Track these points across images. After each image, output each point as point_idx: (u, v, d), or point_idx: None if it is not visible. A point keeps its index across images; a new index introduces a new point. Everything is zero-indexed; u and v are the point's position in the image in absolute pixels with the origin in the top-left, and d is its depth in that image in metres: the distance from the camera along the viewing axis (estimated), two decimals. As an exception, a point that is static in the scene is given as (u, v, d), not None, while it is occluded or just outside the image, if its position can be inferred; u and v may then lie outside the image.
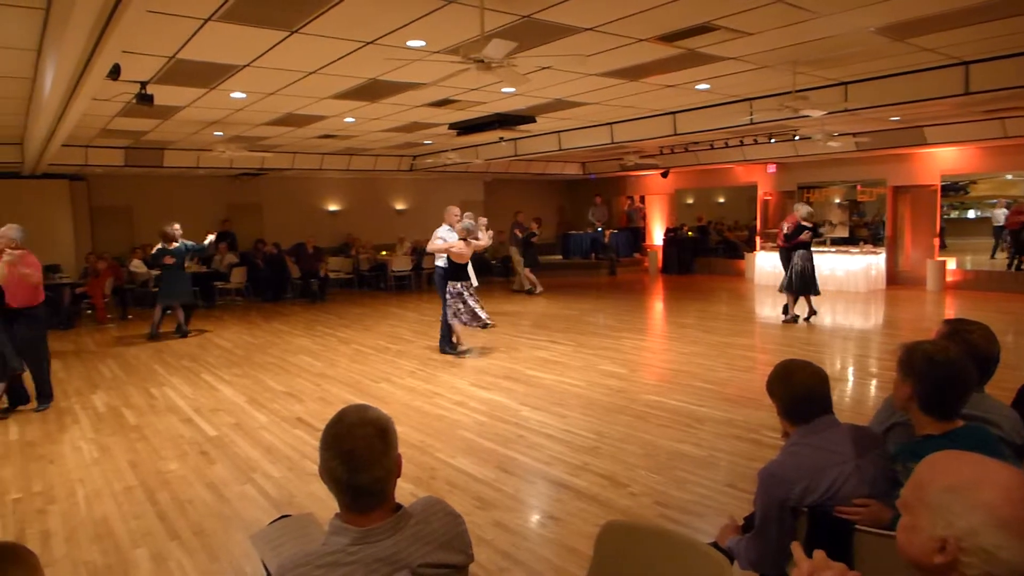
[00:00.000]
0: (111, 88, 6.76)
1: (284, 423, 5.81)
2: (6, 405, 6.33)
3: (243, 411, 6.23)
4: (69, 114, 6.92)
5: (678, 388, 6.51)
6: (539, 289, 14.32)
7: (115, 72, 5.50)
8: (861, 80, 8.09)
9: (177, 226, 10.38)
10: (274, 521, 2.18)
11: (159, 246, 10.28)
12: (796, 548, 1.23)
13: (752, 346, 8.52)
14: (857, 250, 14.14)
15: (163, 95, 7.58)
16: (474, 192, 20.71)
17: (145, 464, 4.93)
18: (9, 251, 6.04)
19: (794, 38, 6.21)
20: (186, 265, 14.42)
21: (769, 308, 11.55)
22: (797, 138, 12.78)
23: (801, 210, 9.98)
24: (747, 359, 7.76)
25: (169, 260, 10.09)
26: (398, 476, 1.57)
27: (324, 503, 4.11)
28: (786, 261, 10.04)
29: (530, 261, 14.60)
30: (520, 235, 14.61)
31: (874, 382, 6.80)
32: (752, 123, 9.63)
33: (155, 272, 11.21)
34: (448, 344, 8.44)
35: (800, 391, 2.18)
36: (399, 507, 1.57)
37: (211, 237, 10.94)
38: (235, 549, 3.61)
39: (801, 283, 9.81)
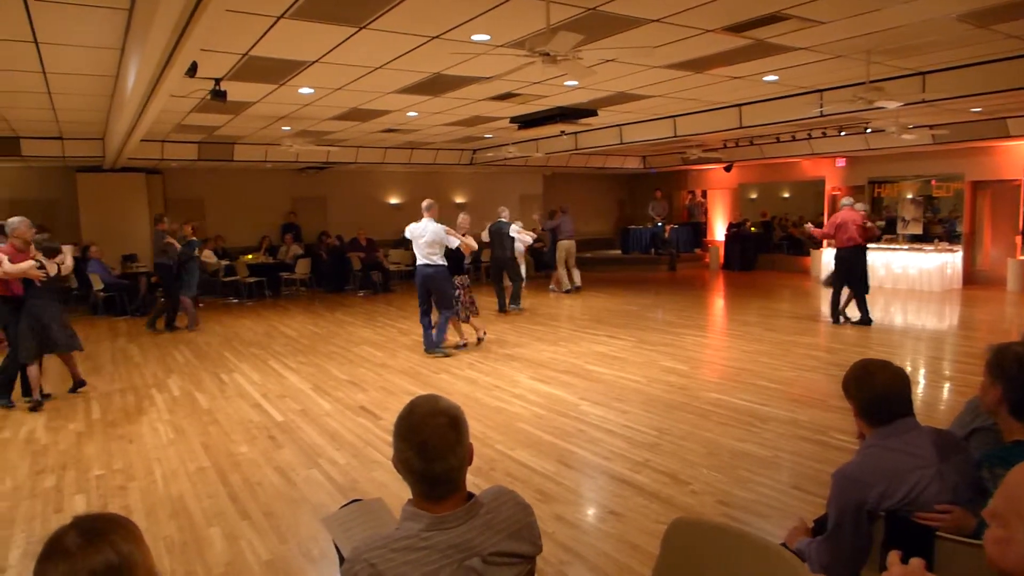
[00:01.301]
0: (188, 85, 7.02)
1: (347, 411, 5.95)
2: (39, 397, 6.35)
3: (308, 398, 6.41)
4: (149, 110, 7.22)
5: (741, 386, 6.38)
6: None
7: (192, 70, 5.71)
8: (940, 70, 7.73)
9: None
10: (345, 505, 2.24)
11: (192, 238, 10.45)
12: (893, 556, 1.20)
13: (817, 345, 8.28)
14: (931, 248, 13.55)
15: (235, 91, 7.82)
16: (533, 186, 20.70)
17: (217, 446, 5.13)
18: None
19: (870, 26, 5.97)
20: (253, 256, 14.99)
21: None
22: (869, 131, 12.32)
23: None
24: (813, 359, 7.54)
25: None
26: (469, 465, 1.59)
27: (387, 489, 4.19)
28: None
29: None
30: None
31: (947, 385, 6.53)
32: (822, 115, 9.33)
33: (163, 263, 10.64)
34: (438, 345, 8.19)
35: (880, 391, 2.11)
36: (471, 495, 1.60)
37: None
38: (303, 531, 3.72)
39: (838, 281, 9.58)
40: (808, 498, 3.94)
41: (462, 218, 8.95)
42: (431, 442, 1.51)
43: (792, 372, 6.91)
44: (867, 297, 9.41)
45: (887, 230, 14.68)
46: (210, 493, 4.26)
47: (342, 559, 2.05)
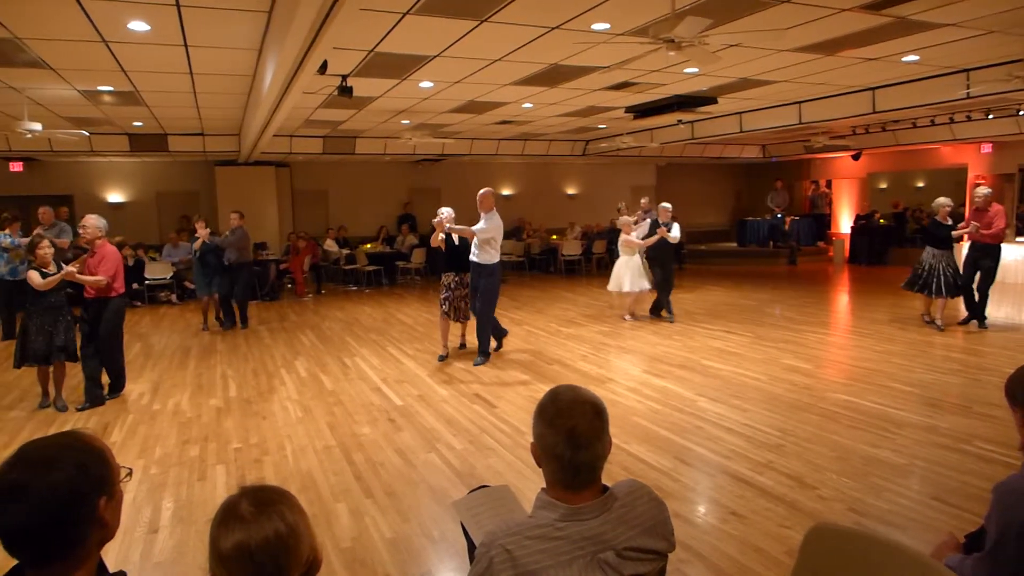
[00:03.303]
0: (318, 82, 7.37)
1: (463, 398, 6.08)
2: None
3: (426, 384, 6.60)
4: (282, 107, 7.65)
5: (872, 388, 6.00)
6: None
7: (323, 67, 5.99)
8: (1115, 43, 6.92)
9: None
10: (474, 490, 2.28)
11: (226, 234, 10.04)
12: None
13: (957, 346, 7.65)
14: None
15: (360, 87, 8.15)
16: (646, 177, 20.34)
17: (341, 427, 5.38)
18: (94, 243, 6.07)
19: (1031, -2, 5.43)
20: (372, 246, 15.55)
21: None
22: (1022, 113, 11.21)
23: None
24: (952, 360, 6.98)
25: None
26: (607, 456, 1.58)
27: (503, 476, 4.26)
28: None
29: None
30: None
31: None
32: (968, 97, 8.58)
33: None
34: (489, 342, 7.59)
35: (1053, 400, 1.92)
36: (605, 488, 1.58)
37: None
38: (423, 512, 3.84)
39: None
40: (950, 511, 3.66)
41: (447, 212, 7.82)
42: (579, 429, 1.51)
43: (929, 375, 6.43)
44: (991, 295, 8.69)
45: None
46: (336, 470, 4.48)
47: (470, 542, 2.10)
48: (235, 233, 9.93)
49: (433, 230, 7.54)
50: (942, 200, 8.51)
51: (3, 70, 7.04)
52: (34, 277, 5.75)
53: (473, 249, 7.45)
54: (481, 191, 7.52)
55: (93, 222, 6.07)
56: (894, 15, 5.85)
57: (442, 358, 7.56)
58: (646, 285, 9.43)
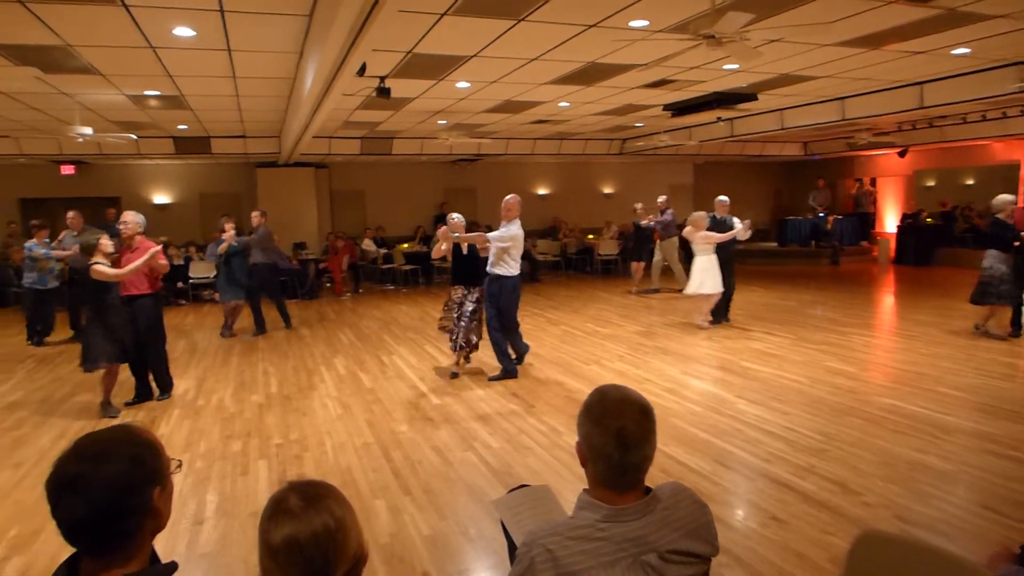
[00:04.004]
0: (356, 84, 7.46)
1: (500, 397, 6.09)
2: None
3: (462, 382, 6.63)
4: (322, 109, 7.76)
5: (918, 392, 5.84)
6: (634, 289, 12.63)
7: (362, 69, 6.07)
8: None
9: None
10: (513, 489, 2.28)
11: (247, 237, 9.62)
12: None
13: (1008, 351, 7.39)
14: None
15: (398, 88, 8.22)
16: (683, 175, 20.13)
17: (380, 424, 5.44)
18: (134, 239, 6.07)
19: (1091, -12, 5.23)
20: (409, 245, 15.66)
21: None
22: (1079, 108, 10.81)
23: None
24: (1004, 365, 6.75)
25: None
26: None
27: (540, 476, 4.25)
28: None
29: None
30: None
31: None
32: (1021, 91, 8.30)
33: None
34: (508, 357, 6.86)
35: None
36: (648, 490, 1.57)
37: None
38: (460, 510, 3.85)
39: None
40: (1002, 520, 3.54)
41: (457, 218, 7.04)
42: (628, 429, 1.50)
43: (978, 379, 6.23)
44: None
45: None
46: (375, 467, 4.53)
47: (510, 541, 2.10)
48: (258, 232, 9.63)
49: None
50: (1006, 197, 7.70)
51: (55, 76, 7.27)
52: (103, 269, 5.64)
53: (490, 259, 6.71)
54: (508, 197, 6.72)
55: (132, 218, 6.12)
56: (943, 6, 5.69)
57: (454, 375, 6.89)
58: (722, 287, 8.83)
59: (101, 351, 5.76)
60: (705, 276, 8.66)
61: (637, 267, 12.64)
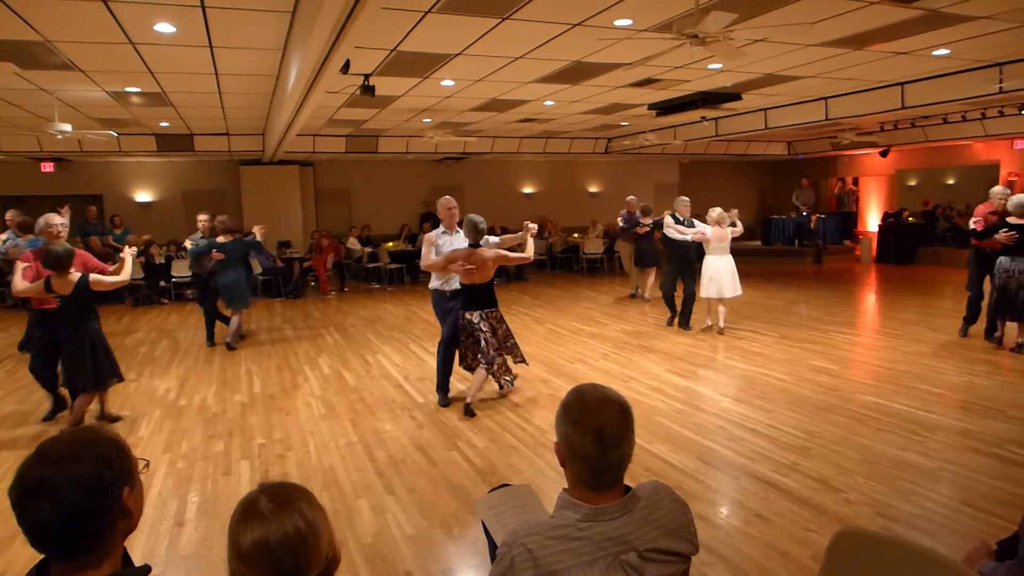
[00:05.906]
0: (340, 81, 7.39)
1: (484, 395, 6.06)
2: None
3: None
4: (306, 107, 7.71)
5: (901, 390, 5.89)
6: (646, 294, 11.55)
7: (346, 67, 6.02)
8: None
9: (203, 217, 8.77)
10: (494, 489, 2.27)
11: (220, 239, 8.32)
12: None
13: (990, 348, 7.47)
14: None
15: (383, 86, 8.17)
16: (669, 175, 20.19)
17: (364, 423, 5.41)
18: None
19: (1069, -10, 5.29)
20: (394, 244, 15.58)
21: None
22: (1058, 109, 10.94)
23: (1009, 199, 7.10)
24: (986, 363, 6.83)
25: (218, 256, 8.24)
26: None
27: (524, 475, 4.24)
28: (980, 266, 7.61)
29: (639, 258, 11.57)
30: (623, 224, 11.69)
31: None
32: (1001, 92, 8.40)
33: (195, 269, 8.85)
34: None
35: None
36: (628, 489, 1.56)
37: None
38: (444, 509, 3.84)
39: (1000, 302, 7.20)
40: (982, 516, 3.57)
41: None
42: (607, 428, 1.49)
43: (960, 377, 6.30)
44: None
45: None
46: (358, 467, 4.50)
47: (491, 541, 2.09)
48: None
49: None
50: (1021, 197, 6.91)
51: (34, 72, 7.17)
52: (101, 279, 5.23)
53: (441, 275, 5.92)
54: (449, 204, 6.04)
55: (55, 220, 5.47)
56: (926, 8, 5.73)
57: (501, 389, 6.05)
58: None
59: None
60: (723, 278, 8.27)
61: (645, 274, 11.65)
